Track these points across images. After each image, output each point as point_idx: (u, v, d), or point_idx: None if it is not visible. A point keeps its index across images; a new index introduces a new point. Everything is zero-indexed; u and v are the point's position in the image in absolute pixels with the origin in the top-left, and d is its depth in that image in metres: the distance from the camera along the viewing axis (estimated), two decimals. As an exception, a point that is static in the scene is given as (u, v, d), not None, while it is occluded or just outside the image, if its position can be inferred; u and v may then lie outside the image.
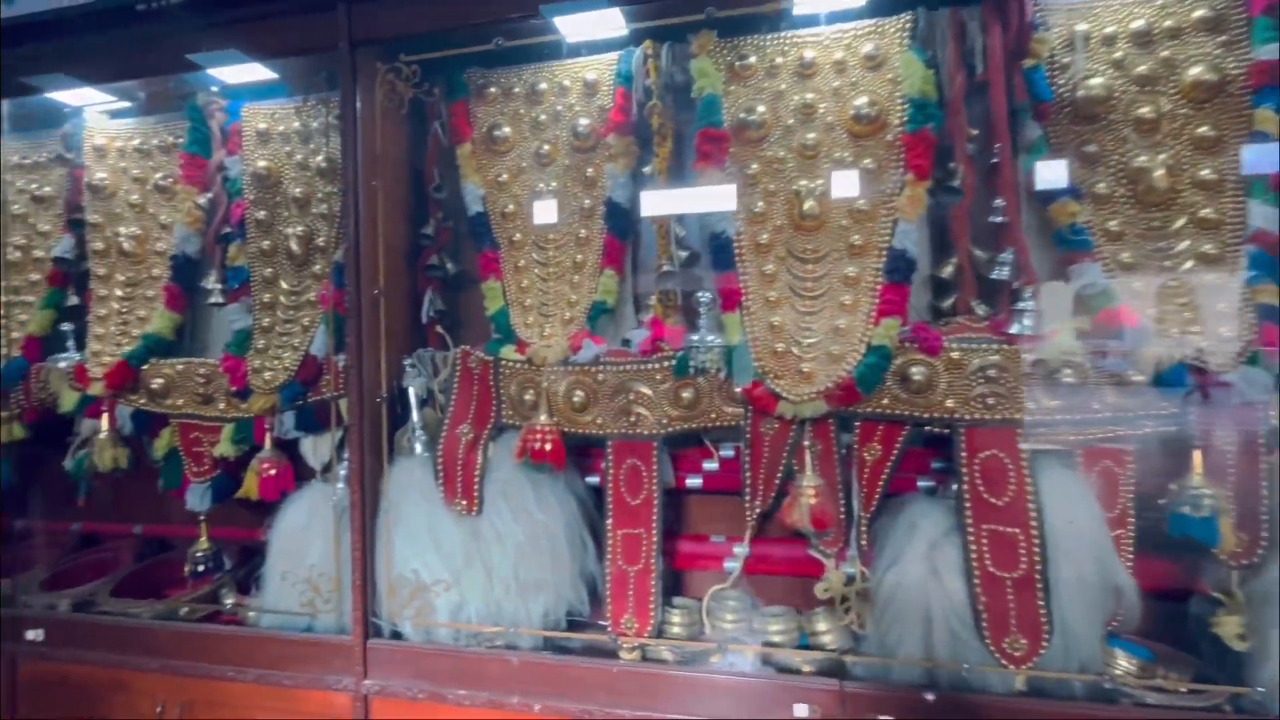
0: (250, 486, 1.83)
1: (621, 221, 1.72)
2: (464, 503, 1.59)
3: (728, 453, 1.68)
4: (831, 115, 1.55)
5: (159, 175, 2.05)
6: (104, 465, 1.96)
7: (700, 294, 1.55)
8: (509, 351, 1.69)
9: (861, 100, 1.52)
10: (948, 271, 1.54)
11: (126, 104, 2.09)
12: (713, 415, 1.57)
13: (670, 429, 1.57)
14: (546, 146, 1.77)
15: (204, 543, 1.97)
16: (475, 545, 1.57)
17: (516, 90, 1.80)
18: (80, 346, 2.13)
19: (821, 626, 1.50)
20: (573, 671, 1.48)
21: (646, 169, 1.70)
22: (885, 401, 1.45)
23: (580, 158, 1.76)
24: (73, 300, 2.13)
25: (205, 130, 2.00)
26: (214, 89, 1.97)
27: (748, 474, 1.53)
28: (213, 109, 2.00)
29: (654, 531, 1.55)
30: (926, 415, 1.42)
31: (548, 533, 1.55)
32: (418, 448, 1.69)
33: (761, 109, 1.59)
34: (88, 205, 2.09)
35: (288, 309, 1.92)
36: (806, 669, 1.45)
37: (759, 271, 1.57)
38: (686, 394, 1.54)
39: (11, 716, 1.87)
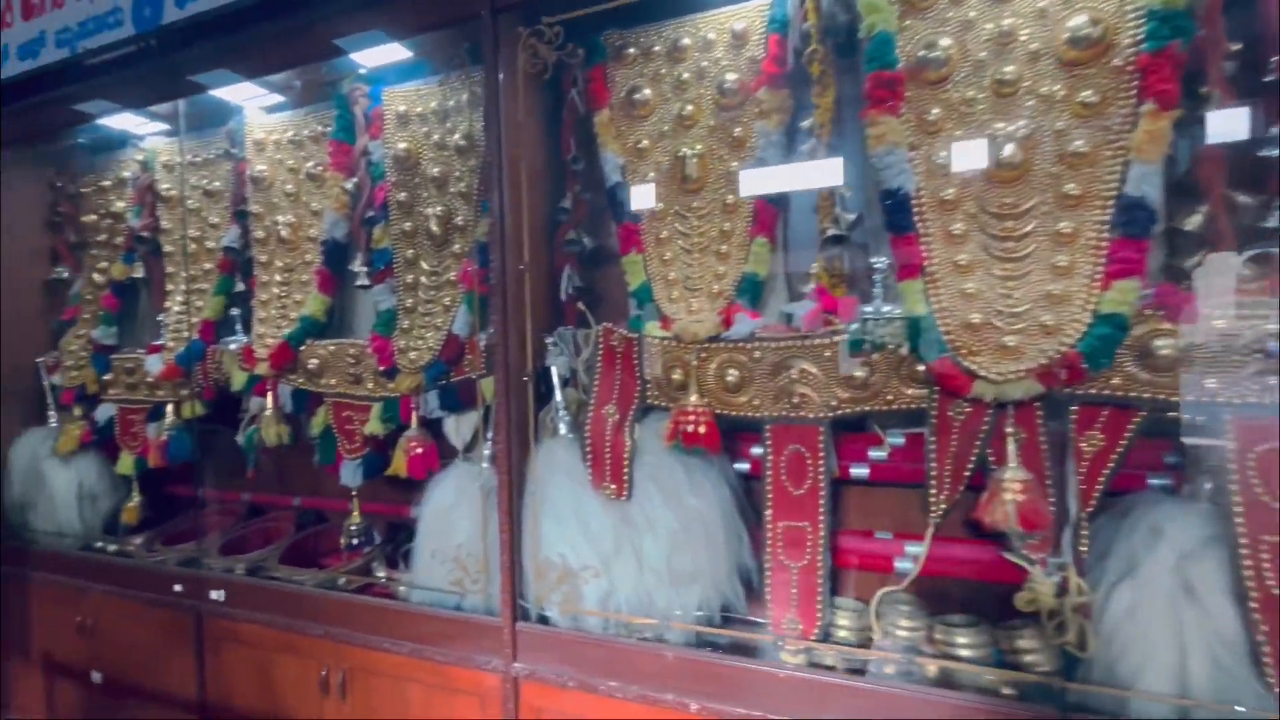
0: (399, 464, 1.87)
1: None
2: (613, 487, 1.52)
3: (897, 440, 1.50)
4: (1037, 42, 1.30)
5: (310, 164, 2.14)
6: (270, 440, 2.08)
7: (875, 261, 1.37)
8: (653, 328, 1.59)
9: (1079, 19, 1.26)
10: (1193, 223, 1.26)
11: (281, 98, 2.19)
12: (889, 397, 1.39)
13: (839, 412, 1.41)
14: (689, 107, 1.64)
15: (356, 517, 2.06)
16: (625, 531, 1.49)
17: (657, 49, 1.68)
18: (247, 329, 2.28)
19: (1024, 644, 1.29)
20: (732, 671, 1.37)
21: (805, 123, 1.52)
22: (1116, 381, 1.21)
23: (727, 117, 1.61)
24: (239, 287, 2.29)
25: (350, 117, 2.05)
26: (359, 72, 2.01)
27: (933, 464, 1.34)
28: (356, 95, 2.04)
29: (821, 525, 1.40)
30: (1174, 398, 1.16)
31: (702, 521, 1.45)
32: (562, 428, 1.64)
33: (945, 43, 1.36)
34: (250, 196, 2.22)
35: (429, 289, 1.93)
36: (1007, 691, 1.25)
37: (944, 232, 1.36)
38: (860, 373, 1.37)
39: (200, 665, 2.04)
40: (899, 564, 1.48)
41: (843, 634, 1.43)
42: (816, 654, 1.39)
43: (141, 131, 2.43)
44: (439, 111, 1.93)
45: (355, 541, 2.01)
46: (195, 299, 2.35)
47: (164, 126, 2.42)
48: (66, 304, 2.64)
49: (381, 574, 1.95)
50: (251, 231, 2.22)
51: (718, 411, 1.51)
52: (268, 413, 2.10)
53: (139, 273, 2.49)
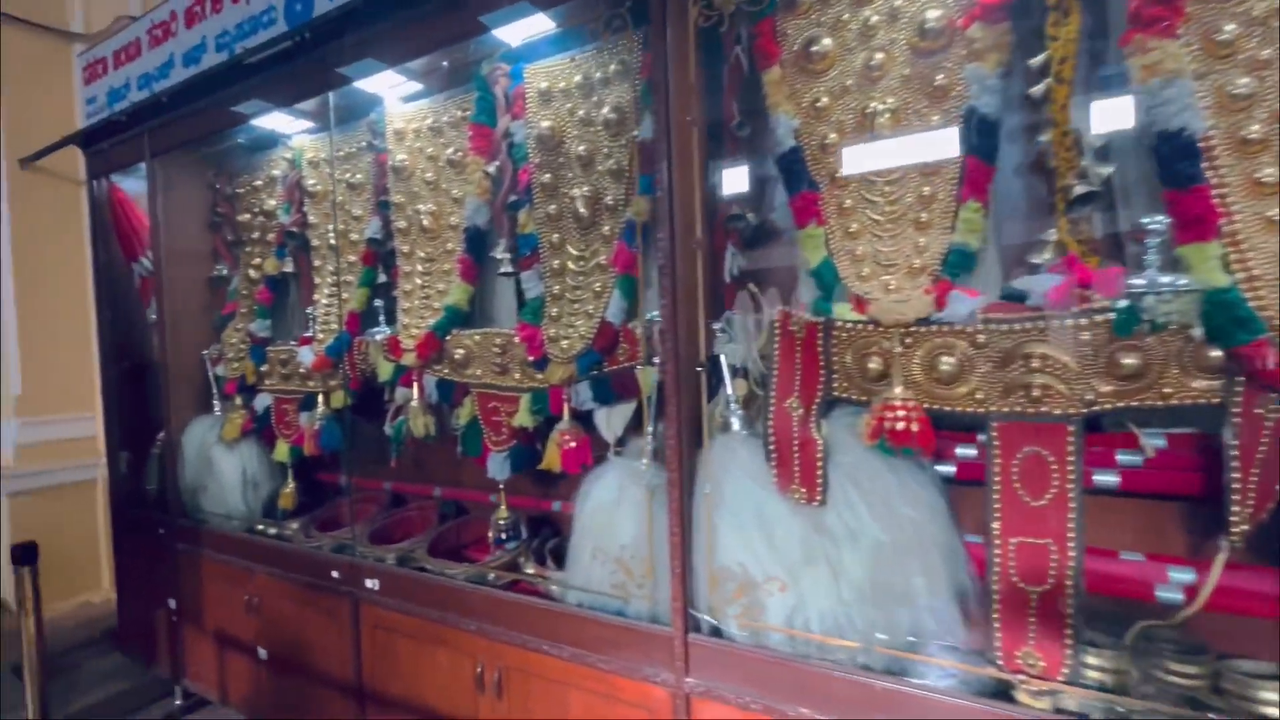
0: (552, 458, 1.79)
1: (989, 138, 1.32)
2: (803, 490, 1.35)
3: (1159, 442, 1.22)
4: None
5: (450, 150, 2.09)
6: (417, 432, 2.07)
7: (1148, 221, 1.10)
8: (844, 311, 1.40)
9: None
10: None
11: (420, 86, 2.16)
12: (1166, 390, 1.12)
13: (1097, 408, 1.16)
14: (879, 56, 1.42)
15: (504, 511, 2.01)
16: (818, 541, 1.32)
17: (838, -8, 1.47)
18: (390, 321, 2.30)
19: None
20: (955, 709, 1.16)
21: (1035, 61, 1.27)
22: None
23: (926, 64, 1.38)
24: (382, 278, 2.31)
25: (490, 98, 1.98)
26: (500, 52, 1.93)
27: (1234, 473, 1.07)
28: (497, 75, 1.97)
29: (1070, 544, 1.16)
30: None
31: (916, 532, 1.24)
32: (734, 423, 1.48)
33: (1245, -61, 1.07)
34: (391, 186, 2.22)
35: (577, 274, 1.83)
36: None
37: (1249, 181, 1.07)
38: (1130, 360, 1.11)
39: (357, 652, 2.08)
40: (1161, 592, 1.21)
41: (1092, 675, 1.18)
42: (1062, 698, 1.16)
43: (290, 130, 2.50)
44: (584, 85, 1.81)
45: (504, 536, 1.96)
46: (342, 291, 2.40)
47: (309, 124, 2.48)
48: (226, 299, 2.79)
49: (530, 570, 1.88)
50: (393, 222, 2.22)
51: (927, 406, 1.30)
52: (414, 404, 2.10)
53: (289, 267, 2.58)
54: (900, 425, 1.26)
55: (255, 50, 2.15)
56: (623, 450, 1.78)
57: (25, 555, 2.21)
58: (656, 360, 1.63)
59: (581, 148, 1.82)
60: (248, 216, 2.74)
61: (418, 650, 1.94)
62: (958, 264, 1.33)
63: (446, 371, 2.06)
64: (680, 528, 1.44)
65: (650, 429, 1.62)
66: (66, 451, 3.47)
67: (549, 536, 2.05)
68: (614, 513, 1.58)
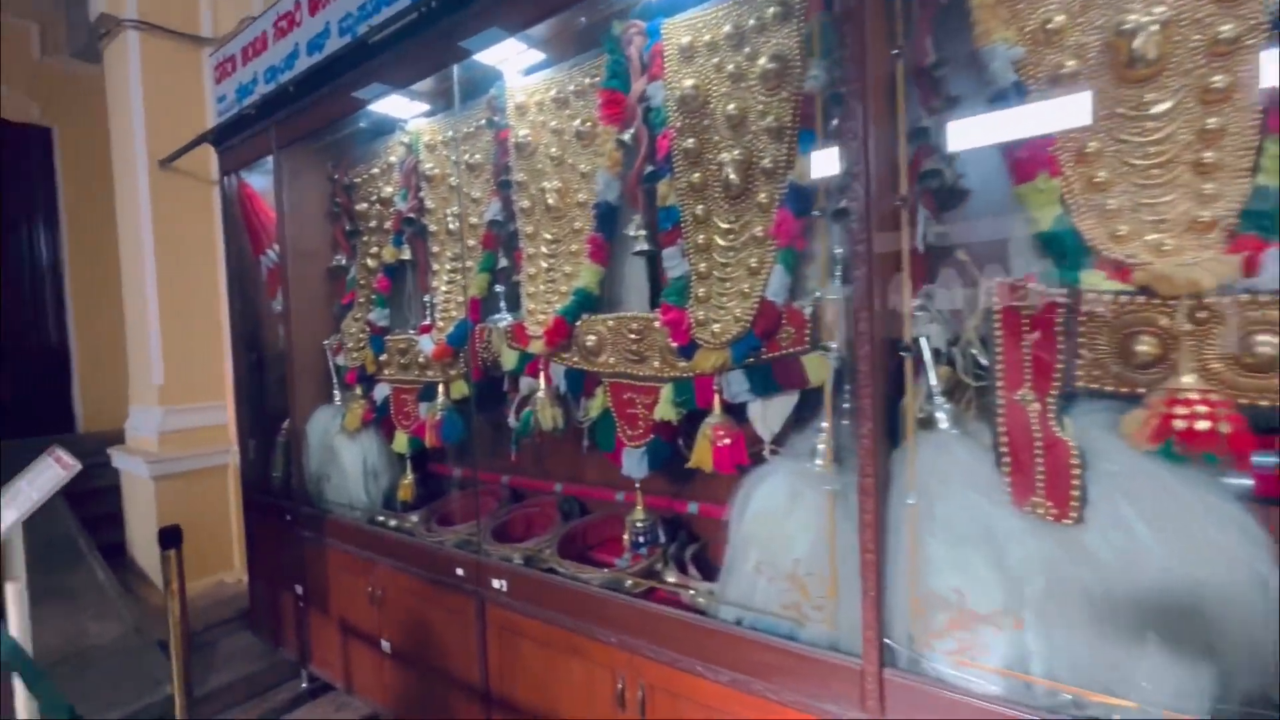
0: (702, 456, 1.59)
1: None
2: (1049, 504, 1.08)
3: None
4: None
5: (577, 122, 1.94)
6: (545, 424, 1.94)
7: None
8: (1097, 280, 1.11)
9: None
10: None
11: (542, 55, 2.02)
12: None
13: None
14: (1139, -45, 1.12)
15: (641, 512, 1.84)
16: (1070, 568, 1.05)
17: (1080, -119, 1.18)
18: (513, 307, 2.19)
19: None
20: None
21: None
22: None
23: (1213, -43, 1.07)
24: (503, 262, 2.20)
25: (623, 60, 1.80)
26: (635, 7, 1.76)
27: None
28: (631, 35, 1.79)
29: None
30: None
31: (1227, 564, 0.95)
32: (941, 419, 1.23)
33: None
34: (513, 165, 2.09)
35: (726, 250, 1.63)
36: None
37: None
38: None
39: (483, 656, 1.98)
40: None
41: None
42: None
43: (407, 114, 2.44)
44: (734, 36, 1.60)
45: (641, 540, 1.80)
46: (461, 277, 2.31)
47: (426, 107, 2.41)
48: (345, 289, 2.80)
49: (671, 579, 1.71)
50: (515, 202, 2.10)
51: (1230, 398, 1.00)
52: (541, 394, 1.97)
53: (407, 255, 2.53)
54: (1201, 425, 0.97)
55: (379, 28, 2.09)
56: (779, 449, 1.56)
57: (171, 539, 2.28)
58: (830, 345, 1.40)
59: (731, 106, 1.61)
60: (365, 205, 2.73)
61: (549, 658, 1.81)
62: (1265, 215, 1.02)
63: (576, 360, 1.91)
64: (875, 543, 1.21)
65: (826, 424, 1.39)
66: (201, 438, 3.65)
67: (686, 541, 1.87)
68: (784, 521, 1.36)
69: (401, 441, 2.50)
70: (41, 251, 5.31)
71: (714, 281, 1.63)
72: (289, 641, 2.91)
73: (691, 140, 1.68)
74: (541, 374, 1.98)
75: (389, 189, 2.60)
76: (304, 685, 2.89)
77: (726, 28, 1.61)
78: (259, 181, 3.05)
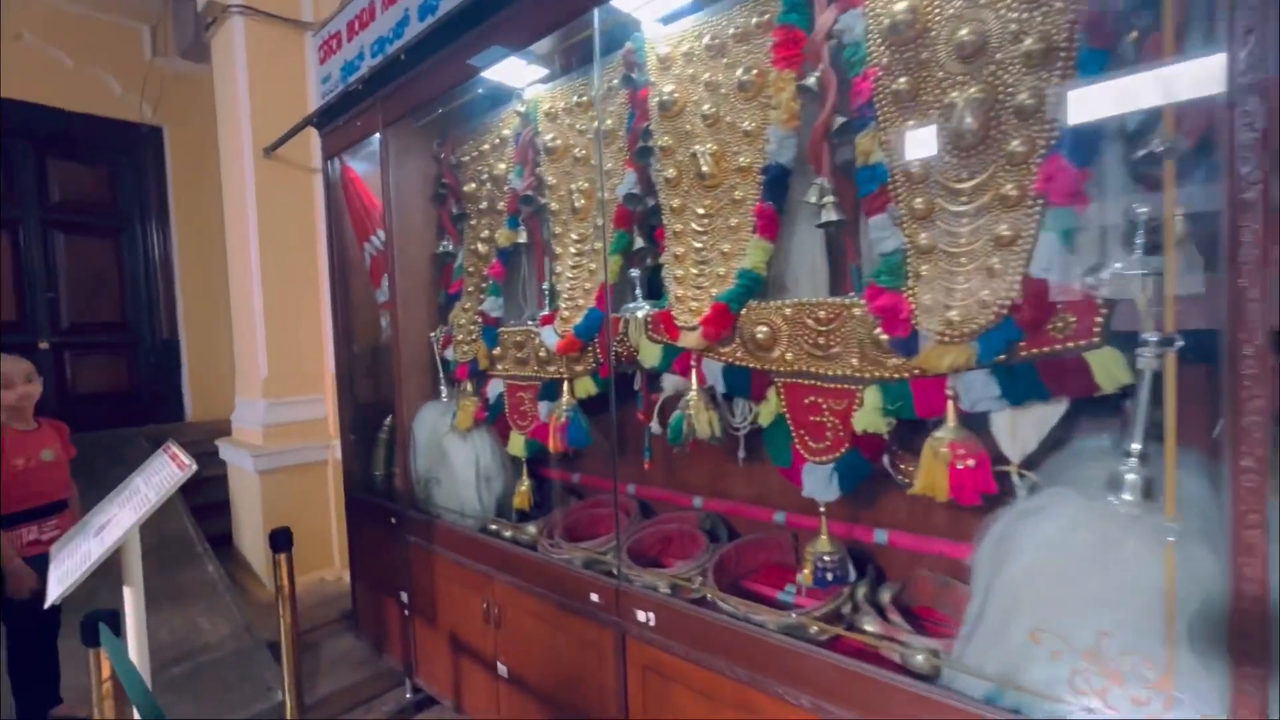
0: (934, 480, 1.24)
1: None
2: None
3: None
4: None
5: (738, 72, 1.62)
6: (701, 431, 1.65)
7: None
8: None
9: None
10: None
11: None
12: None
13: None
14: None
15: (826, 542, 1.51)
16: None
17: None
18: (650, 294, 1.90)
19: None
20: None
21: None
22: None
23: None
24: (638, 243, 1.92)
25: (805, -10, 1.47)
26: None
27: None
28: (816, -45, 1.45)
29: None
30: None
31: None
32: (1369, 449, 0.84)
33: None
34: (655, 128, 1.80)
35: (958, 216, 1.27)
36: None
37: None
38: None
39: (623, 698, 1.72)
40: None
41: None
42: None
43: (524, 81, 2.19)
44: (972, -64, 1.23)
45: (829, 576, 1.47)
46: (587, 261, 2.05)
47: (544, 71, 2.15)
48: (451, 277, 2.60)
49: (870, 627, 1.37)
50: (659, 172, 1.80)
51: None
52: (693, 396, 1.67)
53: (523, 238, 2.30)
54: None
55: (504, -24, 1.84)
56: (1029, 474, 1.20)
57: (282, 542, 2.14)
58: (1148, 338, 1.02)
59: (965, 31, 1.24)
60: (473, 186, 2.51)
61: (713, 711, 1.51)
62: None
63: (740, 355, 1.60)
64: (1263, 620, 0.84)
65: (1136, 445, 1.01)
66: (302, 432, 3.59)
67: (877, 580, 1.53)
68: (1084, 578, 1.00)
69: (518, 444, 2.27)
70: (154, 248, 5.51)
71: (941, 256, 1.27)
72: (393, 649, 2.76)
73: (904, 80, 1.33)
74: (693, 371, 1.68)
75: (501, 166, 2.37)
76: (408, 696, 2.74)
77: (960, -72, 1.25)
78: (360, 167, 2.90)
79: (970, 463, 1.19)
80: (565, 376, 2.09)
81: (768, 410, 1.55)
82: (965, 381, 1.22)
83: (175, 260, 5.50)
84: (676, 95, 1.75)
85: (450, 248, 2.64)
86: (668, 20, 1.77)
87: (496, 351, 2.33)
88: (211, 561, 3.30)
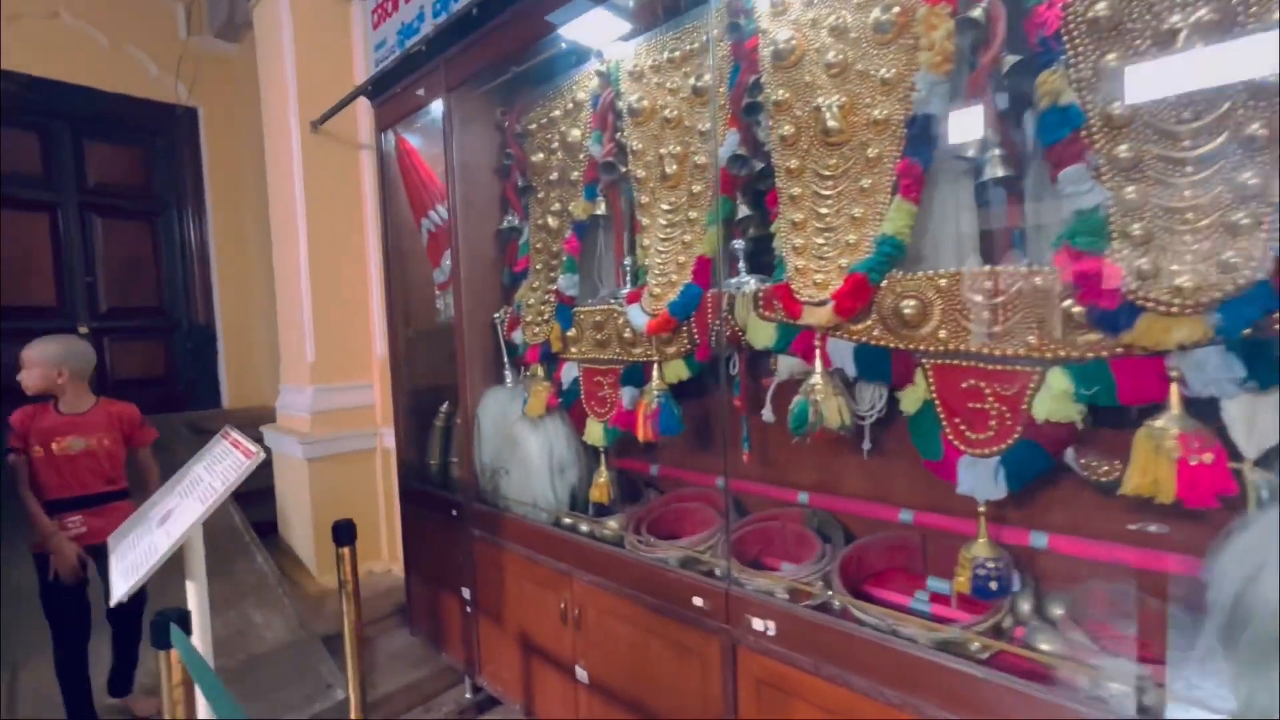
0: (1158, 478, 1.05)
1: None
2: None
3: None
4: None
5: (876, 11, 1.42)
6: (831, 420, 1.46)
7: None
8: None
9: None
10: None
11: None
12: None
13: None
14: None
15: (984, 545, 1.33)
16: None
17: None
18: (756, 267, 1.72)
19: None
20: None
21: None
22: None
23: None
24: (742, 211, 1.73)
25: (966, -92, 1.27)
26: None
27: None
28: None
29: None
30: None
31: None
32: None
33: None
34: (767, 81, 1.61)
35: (1178, 165, 1.06)
36: None
37: None
38: None
39: (732, 710, 1.55)
40: None
41: None
42: None
43: (605, 39, 2.00)
44: None
45: (993, 586, 1.28)
46: (680, 232, 1.87)
47: (627, 28, 1.96)
48: (517, 255, 2.43)
49: (1046, 645, 1.19)
50: (773, 129, 1.61)
51: None
52: (818, 380, 1.49)
53: (602, 209, 2.12)
54: None
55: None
56: (1264, 474, 1.00)
57: (345, 534, 2.01)
58: None
59: (1189, -59, 1.03)
60: (541, 156, 2.34)
61: (845, 736, 1.35)
62: None
63: (877, 334, 1.41)
64: None
65: None
66: (350, 419, 3.47)
67: (1036, 590, 1.34)
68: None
69: (596, 432, 2.11)
70: (190, 231, 5.43)
71: (1159, 214, 1.07)
72: (452, 647, 2.63)
73: (1103, 4, 1.12)
74: (818, 353, 1.50)
75: (576, 132, 2.19)
76: (469, 695, 2.62)
77: None
78: (414, 141, 2.74)
79: (1207, 458, 1.00)
80: (654, 359, 1.92)
81: (914, 396, 1.36)
82: (1196, 360, 1.02)
83: (211, 244, 5.41)
84: (795, 43, 1.55)
85: (515, 222, 2.47)
86: (780, -40, 1.58)
87: (571, 333, 2.17)
88: (261, 552, 3.19)
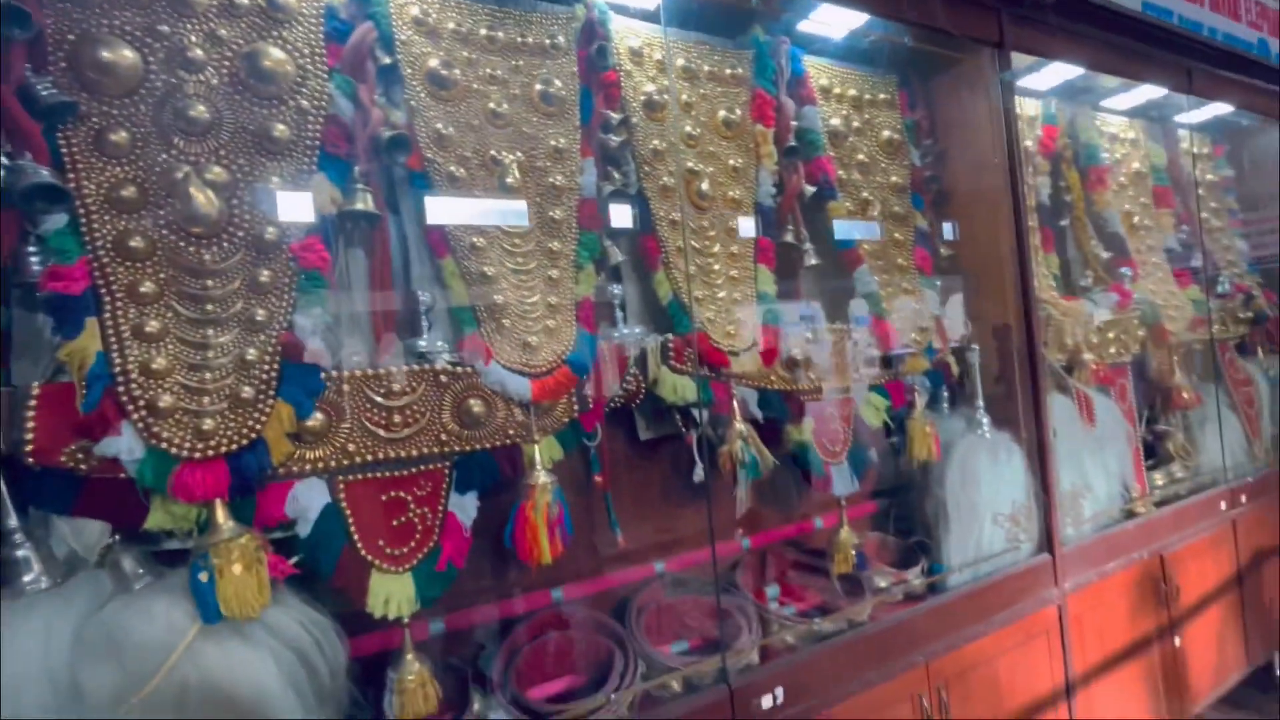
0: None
1: None
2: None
3: None
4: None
5: (722, 112, 1.68)
6: (767, 460, 1.52)
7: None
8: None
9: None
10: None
11: None
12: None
13: None
14: None
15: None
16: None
17: None
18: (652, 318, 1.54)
19: None
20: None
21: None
22: None
23: None
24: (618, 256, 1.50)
25: None
26: None
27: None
28: None
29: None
30: None
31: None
32: None
33: None
34: (639, 126, 1.55)
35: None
36: None
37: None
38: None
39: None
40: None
41: None
42: None
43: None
44: None
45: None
46: (539, 265, 1.38)
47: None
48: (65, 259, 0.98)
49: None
50: (647, 177, 1.53)
51: None
52: (741, 427, 1.52)
53: (363, 204, 1.22)
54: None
55: None
56: None
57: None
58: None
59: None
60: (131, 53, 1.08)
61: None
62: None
63: (773, 379, 1.61)
64: None
65: None
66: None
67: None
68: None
69: (396, 590, 1.15)
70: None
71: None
72: None
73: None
74: (734, 402, 1.54)
75: (269, 48, 1.18)
76: None
77: None
78: None
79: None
80: (521, 439, 1.30)
81: (805, 430, 1.65)
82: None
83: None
84: (666, 98, 1.58)
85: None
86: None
87: (313, 422, 1.12)
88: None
